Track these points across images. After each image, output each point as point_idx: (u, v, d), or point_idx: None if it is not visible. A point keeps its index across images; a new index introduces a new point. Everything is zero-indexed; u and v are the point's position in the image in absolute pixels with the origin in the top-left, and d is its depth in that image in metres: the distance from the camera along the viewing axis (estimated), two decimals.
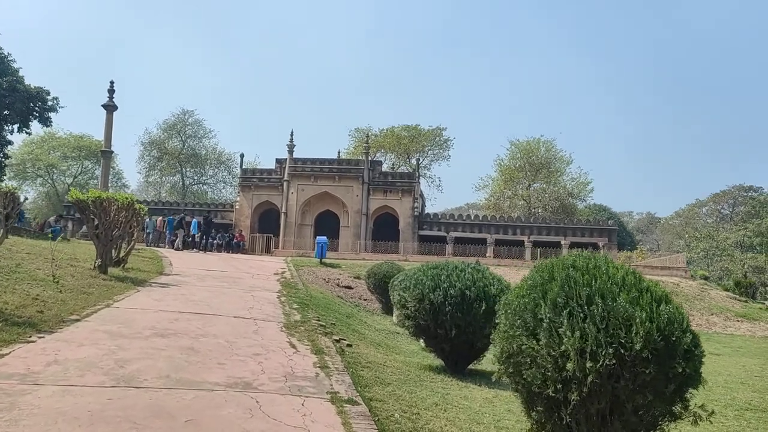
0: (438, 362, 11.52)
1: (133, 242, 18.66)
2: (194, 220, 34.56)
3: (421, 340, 14.29)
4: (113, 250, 17.25)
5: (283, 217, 46.34)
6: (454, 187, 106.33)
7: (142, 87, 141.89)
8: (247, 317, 11.23)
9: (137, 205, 17.62)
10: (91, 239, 15.13)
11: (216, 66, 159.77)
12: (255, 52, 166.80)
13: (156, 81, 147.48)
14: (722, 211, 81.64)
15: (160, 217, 34.58)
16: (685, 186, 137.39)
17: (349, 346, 10.93)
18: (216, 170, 74.22)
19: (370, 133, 55.79)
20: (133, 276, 15.58)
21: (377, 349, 12.35)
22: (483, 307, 10.23)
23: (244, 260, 26.24)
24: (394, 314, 19.90)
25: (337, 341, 10.88)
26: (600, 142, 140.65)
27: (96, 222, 14.91)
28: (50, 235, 24.02)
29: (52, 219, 24.48)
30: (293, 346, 9.02)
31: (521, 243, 44.50)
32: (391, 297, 11.57)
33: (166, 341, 8.35)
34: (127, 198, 15.15)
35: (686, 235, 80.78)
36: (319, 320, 12.46)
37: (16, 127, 35.88)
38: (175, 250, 28.44)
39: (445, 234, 45.48)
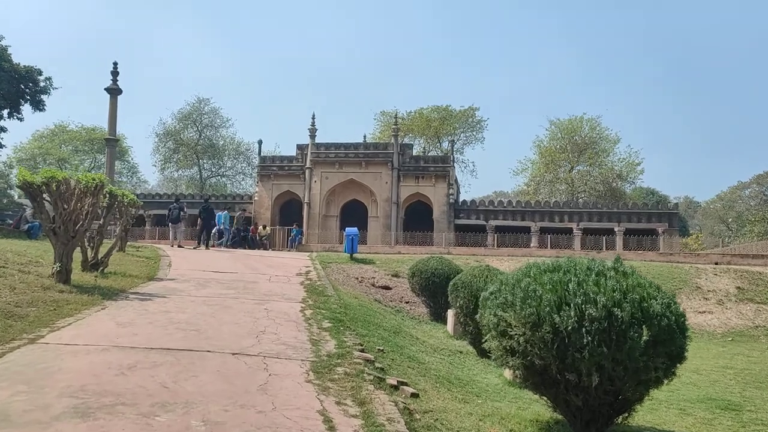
0: (550, 413, 7.42)
1: (116, 239, 14.72)
2: (219, 213, 30.36)
3: (506, 371, 10.23)
4: (90, 250, 13.38)
5: (306, 207, 42.36)
6: (485, 172, 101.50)
7: (157, 78, 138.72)
8: (253, 353, 7.17)
9: (116, 191, 13.69)
10: (47, 236, 11.16)
11: (232, 54, 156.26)
12: (272, 36, 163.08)
13: (171, 71, 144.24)
14: (767, 192, 77.04)
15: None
16: (725, 169, 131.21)
17: (415, 396, 6.87)
18: (234, 161, 70.29)
19: (397, 116, 51.43)
20: (107, 285, 11.60)
21: (451, 392, 8.24)
22: (643, 336, 6.08)
23: (261, 258, 22.24)
24: (448, 322, 15.83)
25: (395, 388, 6.83)
26: (633, 124, 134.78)
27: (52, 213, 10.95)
28: (27, 232, 20.23)
29: (29, 213, 20.57)
30: (330, 426, 4.93)
31: (569, 231, 40.12)
32: (480, 318, 7.42)
33: (85, 429, 4.31)
34: (93, 179, 11.12)
35: (729, 219, 76.32)
36: (362, 348, 8.38)
37: (6, 112, 32.06)
38: (177, 247, 24.36)
39: (485, 223, 41.24)
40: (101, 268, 13.08)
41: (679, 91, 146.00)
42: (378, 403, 5.79)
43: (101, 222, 13.87)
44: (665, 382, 6.70)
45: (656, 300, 6.37)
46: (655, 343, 6.20)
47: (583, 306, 6.15)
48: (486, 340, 7.19)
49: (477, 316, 7.58)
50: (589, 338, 6.03)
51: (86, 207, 11.10)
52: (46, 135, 65.85)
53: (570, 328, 6.09)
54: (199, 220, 27.26)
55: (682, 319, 6.60)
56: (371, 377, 6.75)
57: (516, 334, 6.51)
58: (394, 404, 5.92)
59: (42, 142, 64.90)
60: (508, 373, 10.23)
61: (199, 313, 9.61)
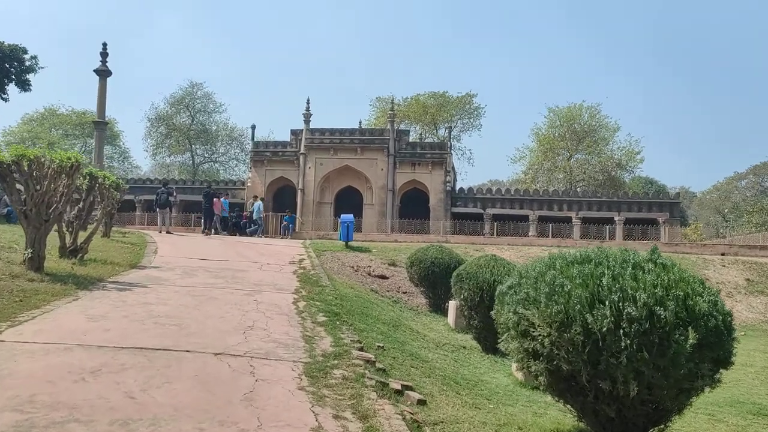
0: (572, 421, 6.63)
1: (96, 224, 13.83)
2: (225, 199, 29.53)
3: (515, 365, 9.41)
4: (68, 235, 12.51)
5: (299, 194, 41.41)
6: (482, 160, 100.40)
7: (150, 63, 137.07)
8: (239, 352, 6.32)
9: (96, 172, 12.79)
10: (19, 219, 10.27)
11: (225, 39, 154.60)
12: (266, 22, 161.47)
13: (164, 56, 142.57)
14: (763, 183, 76.63)
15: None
16: (721, 159, 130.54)
17: (422, 403, 6.05)
18: (228, 147, 68.96)
19: (393, 102, 50.37)
20: (84, 273, 10.74)
21: (460, 396, 7.40)
22: (689, 339, 5.25)
23: (253, 245, 21.37)
24: (449, 314, 15.01)
25: (399, 393, 6.02)
26: (630, 114, 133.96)
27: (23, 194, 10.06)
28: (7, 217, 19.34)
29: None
30: None
31: (568, 220, 39.27)
32: (496, 315, 6.54)
33: None
34: (69, 158, 10.20)
35: (725, 210, 75.82)
36: (361, 346, 7.55)
37: None
38: (166, 233, 23.50)
39: (482, 211, 40.33)
40: (80, 255, 12.23)
41: (676, 82, 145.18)
42: (383, 416, 4.95)
43: (81, 205, 12.98)
44: (707, 390, 5.91)
45: (702, 297, 5.54)
46: (701, 347, 5.38)
47: (620, 304, 5.32)
48: (503, 341, 6.35)
49: (492, 313, 6.69)
50: (628, 341, 5.20)
51: (61, 188, 10.20)
52: (35, 118, 64.51)
53: (605, 329, 5.26)
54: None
55: (729, 318, 5.78)
56: (373, 382, 5.92)
57: (540, 335, 5.67)
58: (401, 417, 5.10)
59: (31, 126, 63.53)
60: (517, 372, 9.43)
61: (181, 305, 8.76)
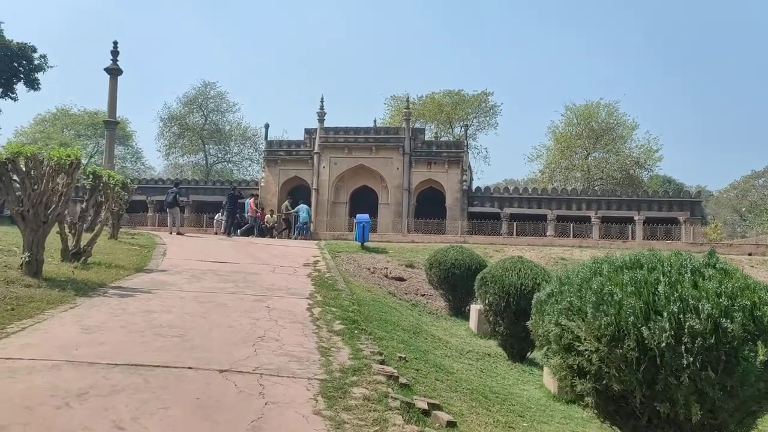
0: None
1: (100, 225, 13.26)
2: (246, 200, 29.23)
3: (548, 376, 8.75)
4: (71, 237, 11.96)
5: (314, 194, 40.79)
6: (497, 158, 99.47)
7: (163, 62, 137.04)
8: (247, 368, 5.68)
9: (100, 171, 12.22)
10: (16, 221, 9.72)
11: (237, 38, 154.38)
12: (279, 21, 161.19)
13: (176, 55, 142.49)
14: None
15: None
16: (737, 158, 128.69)
17: (452, 425, 5.40)
18: (241, 147, 68.53)
19: (408, 100, 49.54)
20: (85, 278, 10.14)
21: (491, 413, 6.74)
22: (759, 356, 4.57)
23: (265, 246, 20.77)
24: (471, 318, 14.33)
25: (426, 413, 5.39)
26: (645, 112, 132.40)
27: (20, 194, 9.48)
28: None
29: None
30: None
31: (587, 219, 38.38)
32: (533, 326, 5.85)
33: None
34: (68, 156, 9.61)
35: (743, 209, 74.57)
36: (382, 359, 6.88)
37: None
38: (177, 234, 23.00)
39: (499, 210, 39.52)
40: (83, 258, 11.66)
41: (692, 80, 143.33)
42: None
43: (84, 206, 12.42)
44: None
45: None
46: None
47: (680, 315, 4.64)
48: (543, 355, 5.67)
49: (529, 323, 6.00)
50: (690, 358, 4.53)
51: (60, 188, 9.61)
52: (47, 119, 64.40)
53: (664, 344, 4.58)
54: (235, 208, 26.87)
55: None
56: (397, 403, 5.26)
57: (587, 350, 5.00)
58: None
59: (44, 126, 63.39)
60: (550, 383, 8.75)
61: (187, 313, 8.15)
